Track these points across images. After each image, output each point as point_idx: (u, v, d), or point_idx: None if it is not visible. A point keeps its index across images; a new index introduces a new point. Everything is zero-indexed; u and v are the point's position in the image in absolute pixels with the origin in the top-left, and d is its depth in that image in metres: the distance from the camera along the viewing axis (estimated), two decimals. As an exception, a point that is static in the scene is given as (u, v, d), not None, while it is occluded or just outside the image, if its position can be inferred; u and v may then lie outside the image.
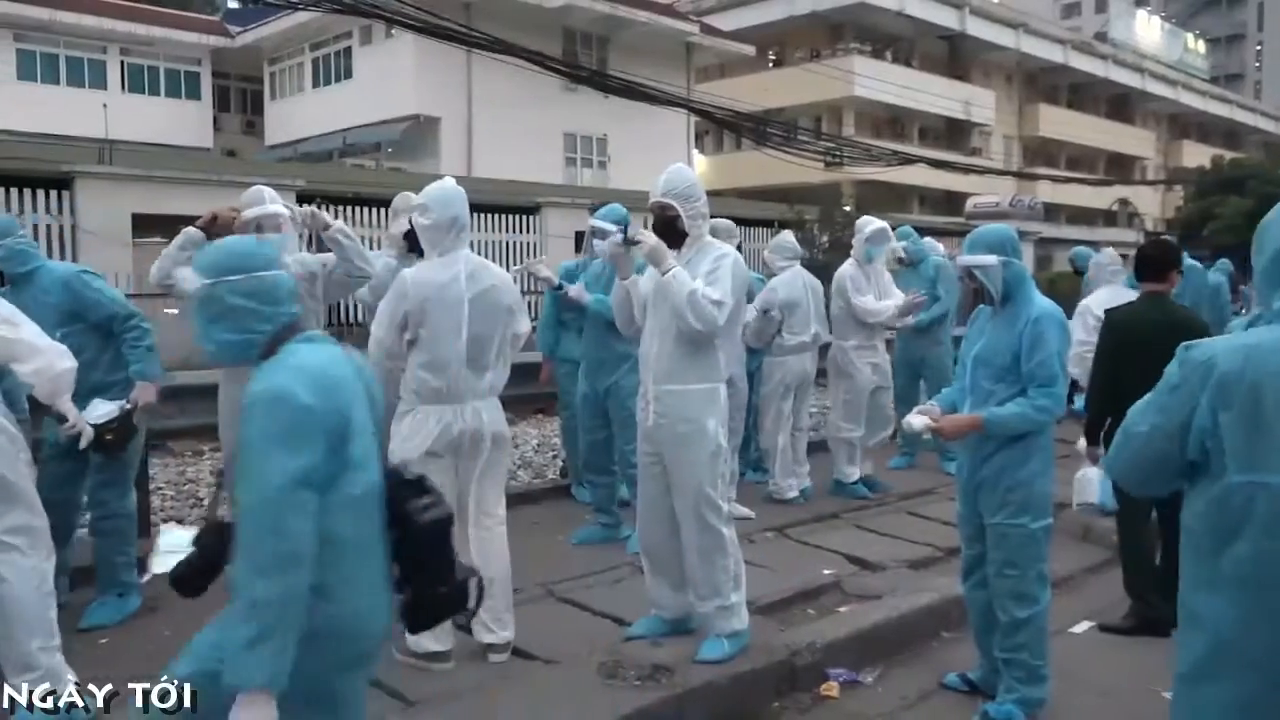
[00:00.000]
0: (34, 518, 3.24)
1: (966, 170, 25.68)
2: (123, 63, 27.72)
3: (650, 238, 3.72)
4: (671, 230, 3.82)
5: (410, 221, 4.30)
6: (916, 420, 3.57)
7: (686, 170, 3.98)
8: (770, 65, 36.34)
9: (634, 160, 23.98)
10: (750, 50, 31.20)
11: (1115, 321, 4.57)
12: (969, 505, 3.64)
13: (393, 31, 22.10)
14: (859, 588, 4.83)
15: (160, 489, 6.64)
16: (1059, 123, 42.38)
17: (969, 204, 22.28)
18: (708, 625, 3.88)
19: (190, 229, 4.27)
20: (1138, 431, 2.00)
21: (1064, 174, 36.70)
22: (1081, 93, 45.73)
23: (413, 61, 23.22)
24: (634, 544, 4.54)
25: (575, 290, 5.38)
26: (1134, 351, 4.10)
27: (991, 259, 3.48)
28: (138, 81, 27.96)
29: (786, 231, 7.21)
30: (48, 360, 3.36)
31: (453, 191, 3.82)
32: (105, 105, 22.22)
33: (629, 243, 3.83)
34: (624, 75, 15.41)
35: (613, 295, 4.11)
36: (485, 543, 3.83)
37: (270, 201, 4.30)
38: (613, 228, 5.35)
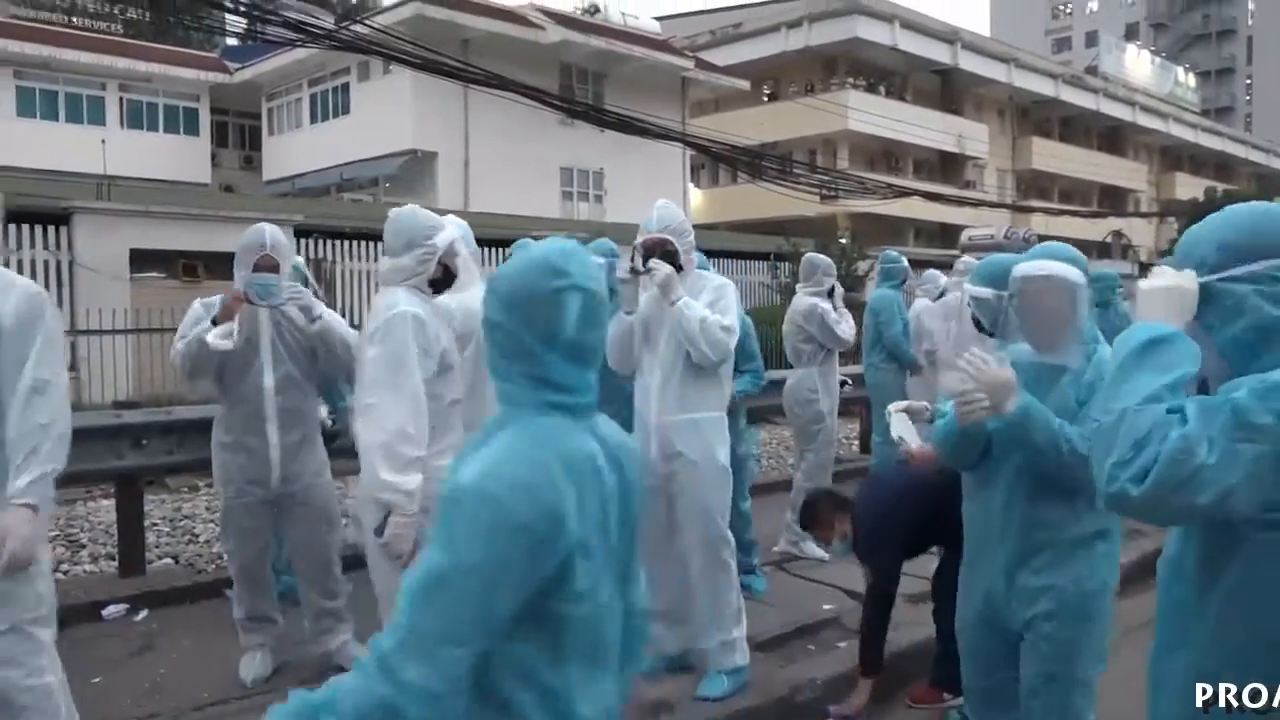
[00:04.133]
0: None
1: (961, 203, 25.82)
2: (121, 99, 27.87)
3: (665, 266, 3.72)
4: (670, 264, 3.81)
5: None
6: (909, 437, 3.48)
7: (675, 207, 4.00)
8: (765, 100, 36.62)
9: (630, 194, 24.09)
10: (745, 85, 31.50)
11: None
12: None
13: (390, 68, 22.28)
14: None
15: (155, 525, 6.62)
16: (1052, 155, 42.66)
17: (963, 236, 22.24)
18: (709, 661, 3.85)
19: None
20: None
21: (1058, 206, 36.85)
22: (1073, 126, 46.07)
23: (410, 97, 23.39)
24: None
25: None
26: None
27: (986, 291, 3.47)
28: (136, 118, 28.10)
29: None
30: None
31: (410, 226, 3.57)
32: (104, 141, 22.31)
33: (635, 271, 3.82)
34: (620, 110, 15.51)
35: (612, 329, 3.97)
36: None
37: (271, 240, 4.02)
38: (601, 261, 5.39)
